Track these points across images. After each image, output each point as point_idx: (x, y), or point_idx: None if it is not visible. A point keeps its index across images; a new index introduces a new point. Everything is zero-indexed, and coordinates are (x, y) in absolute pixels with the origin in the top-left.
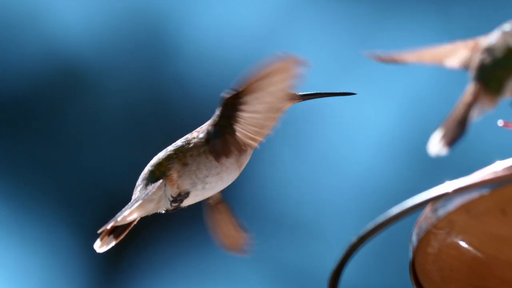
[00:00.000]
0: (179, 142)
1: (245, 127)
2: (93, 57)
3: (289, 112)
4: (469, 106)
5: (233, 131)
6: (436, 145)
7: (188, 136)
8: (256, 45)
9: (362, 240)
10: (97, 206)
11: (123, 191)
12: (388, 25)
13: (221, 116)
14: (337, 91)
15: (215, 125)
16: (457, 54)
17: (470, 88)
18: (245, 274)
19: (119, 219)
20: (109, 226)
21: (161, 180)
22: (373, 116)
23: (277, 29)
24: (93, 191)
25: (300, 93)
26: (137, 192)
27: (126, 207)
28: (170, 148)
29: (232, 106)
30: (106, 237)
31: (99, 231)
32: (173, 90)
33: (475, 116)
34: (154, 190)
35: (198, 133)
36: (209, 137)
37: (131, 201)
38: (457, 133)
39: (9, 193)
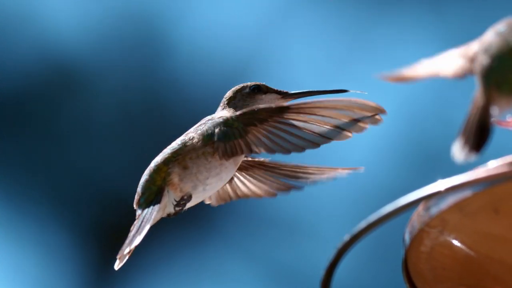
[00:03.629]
0: (175, 145)
1: (271, 138)
2: (87, 57)
3: None
4: (485, 110)
5: (247, 137)
6: (460, 152)
7: (183, 137)
8: (250, 44)
9: (354, 238)
10: (91, 205)
11: (117, 190)
12: (381, 24)
13: (241, 119)
14: (330, 89)
15: (227, 125)
16: (452, 65)
17: (479, 93)
18: (239, 273)
19: (132, 246)
20: (125, 252)
21: (160, 201)
22: None
23: (271, 28)
24: (86, 190)
25: (292, 92)
26: (141, 211)
27: (135, 230)
28: (167, 151)
29: (268, 116)
30: (122, 256)
31: (118, 256)
32: (166, 90)
33: (494, 118)
34: (157, 209)
35: (193, 134)
36: (215, 136)
37: (139, 220)
38: (481, 137)
39: (2, 192)
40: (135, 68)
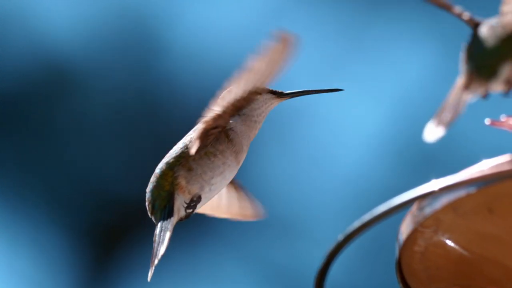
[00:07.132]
0: (177, 148)
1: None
2: (81, 57)
3: (277, 110)
4: (461, 91)
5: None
6: (431, 132)
7: (184, 140)
8: (245, 44)
9: (348, 238)
10: (85, 206)
11: (112, 191)
12: (376, 23)
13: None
14: (325, 88)
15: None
16: None
17: (461, 78)
18: (233, 273)
19: (159, 256)
20: (154, 264)
21: (173, 206)
22: (360, 115)
23: (266, 28)
24: (81, 191)
25: (287, 91)
26: (158, 219)
27: (158, 241)
28: (171, 155)
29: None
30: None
31: (151, 269)
32: (161, 90)
33: (468, 99)
34: (173, 216)
35: (194, 136)
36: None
37: (159, 230)
38: (451, 115)
39: None
40: (130, 68)
